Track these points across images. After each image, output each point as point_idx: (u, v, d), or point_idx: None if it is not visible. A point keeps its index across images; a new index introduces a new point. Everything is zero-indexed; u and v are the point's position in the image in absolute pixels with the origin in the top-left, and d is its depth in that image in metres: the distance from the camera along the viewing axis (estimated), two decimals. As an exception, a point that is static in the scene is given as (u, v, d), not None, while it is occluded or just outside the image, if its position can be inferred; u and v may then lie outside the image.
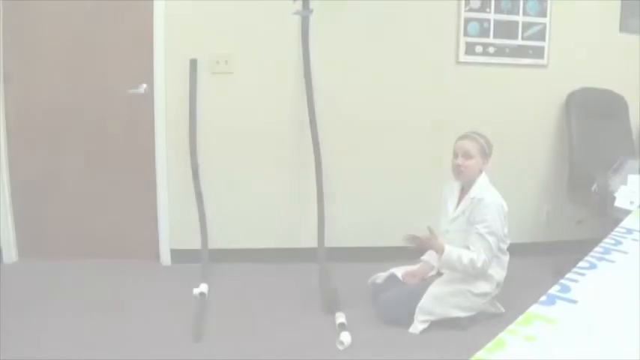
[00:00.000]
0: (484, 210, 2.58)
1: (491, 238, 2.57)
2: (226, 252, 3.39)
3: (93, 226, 3.36)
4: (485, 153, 2.65)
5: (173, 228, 3.38)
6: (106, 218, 3.36)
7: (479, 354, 1.30)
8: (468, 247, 2.61)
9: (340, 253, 3.37)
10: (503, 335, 1.37)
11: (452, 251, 2.59)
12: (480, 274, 2.62)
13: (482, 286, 2.69)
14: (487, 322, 2.71)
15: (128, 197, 3.34)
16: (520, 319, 1.44)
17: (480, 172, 2.66)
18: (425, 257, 2.85)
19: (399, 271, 2.89)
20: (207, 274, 3.18)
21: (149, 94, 3.20)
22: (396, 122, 3.32)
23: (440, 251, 2.61)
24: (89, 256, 3.34)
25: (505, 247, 2.71)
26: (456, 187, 2.76)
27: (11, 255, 3.31)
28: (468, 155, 2.62)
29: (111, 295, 2.97)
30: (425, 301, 2.66)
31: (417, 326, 2.65)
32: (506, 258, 2.72)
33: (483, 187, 2.63)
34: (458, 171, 2.65)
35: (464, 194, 2.72)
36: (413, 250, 2.66)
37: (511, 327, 1.41)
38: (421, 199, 3.35)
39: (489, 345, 1.33)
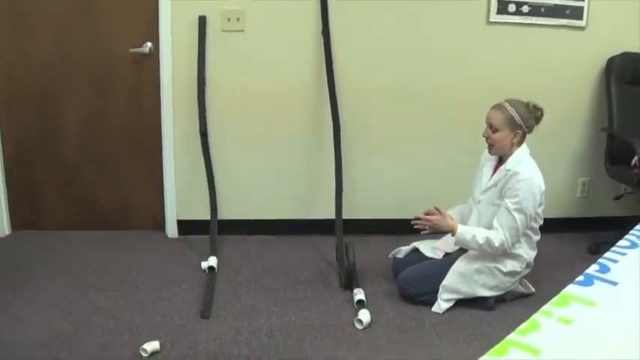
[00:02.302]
0: (517, 185, 2.53)
1: (518, 216, 2.52)
2: (237, 223, 3.40)
3: (92, 196, 3.36)
4: (516, 125, 2.55)
5: (180, 197, 3.38)
6: (107, 187, 3.35)
7: (511, 336, 1.29)
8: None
9: (359, 225, 3.38)
10: (537, 317, 1.36)
11: (465, 231, 2.57)
12: (499, 253, 2.60)
13: (512, 264, 2.67)
14: (516, 302, 2.72)
15: (131, 164, 3.33)
16: (556, 299, 1.42)
17: (514, 144, 2.59)
18: (439, 243, 2.84)
19: (423, 245, 2.88)
20: (217, 247, 3.18)
21: (154, 54, 3.16)
22: (421, 87, 3.28)
23: (451, 232, 2.60)
24: (88, 228, 3.36)
25: (537, 226, 2.68)
26: (493, 157, 2.72)
27: (3, 227, 3.29)
28: (492, 127, 2.58)
29: (112, 270, 2.98)
30: (449, 278, 2.66)
31: (441, 305, 2.65)
32: (537, 237, 2.69)
33: (521, 161, 2.58)
34: (487, 143, 2.62)
35: (500, 164, 2.67)
36: (428, 234, 2.66)
37: (546, 307, 1.39)
38: (448, 169, 3.34)
39: (523, 326, 1.32)
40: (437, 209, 2.63)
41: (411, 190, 3.39)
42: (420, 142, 3.36)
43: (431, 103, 3.29)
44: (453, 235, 2.60)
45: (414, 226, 2.64)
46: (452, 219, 2.64)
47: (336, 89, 3.18)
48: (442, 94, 3.28)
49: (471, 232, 2.57)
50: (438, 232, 2.67)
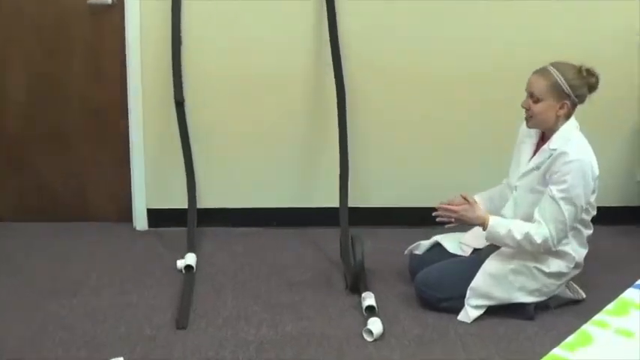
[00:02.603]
0: (564, 168, 2.48)
1: (566, 207, 2.49)
2: (220, 213, 3.44)
3: (43, 181, 3.37)
4: (563, 93, 2.52)
5: (151, 182, 3.40)
6: (61, 170, 3.36)
7: (556, 351, 1.27)
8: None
9: (368, 214, 3.42)
10: (588, 328, 1.34)
11: (498, 225, 2.55)
12: (540, 252, 2.58)
13: (557, 264, 2.65)
14: (562, 310, 2.72)
15: (91, 142, 3.34)
16: (611, 306, 1.42)
17: (560, 118, 2.56)
18: (467, 237, 2.84)
19: (446, 239, 2.87)
20: (196, 241, 3.20)
21: (118, 5, 3.14)
22: (443, 61, 3.28)
23: (482, 225, 2.59)
24: (39, 220, 3.38)
25: (589, 218, 2.66)
26: (534, 132, 2.68)
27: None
28: (533, 96, 2.54)
29: (68, 270, 3.00)
30: (479, 280, 2.64)
31: (469, 313, 2.65)
32: (588, 232, 2.68)
33: (569, 139, 2.54)
34: (526, 116, 2.60)
35: (543, 143, 2.64)
36: (454, 229, 2.67)
37: (599, 317, 1.38)
38: (475, 149, 3.36)
39: (570, 339, 1.30)
40: (464, 198, 2.62)
41: (431, 174, 3.40)
42: (442, 117, 3.36)
43: (454, 77, 3.30)
44: (484, 228, 2.58)
45: (436, 219, 2.63)
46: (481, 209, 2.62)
47: (341, 53, 3.18)
48: (469, 66, 3.29)
49: (506, 225, 2.55)
50: (465, 225, 2.66)
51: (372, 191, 3.48)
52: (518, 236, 2.51)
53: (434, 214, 2.63)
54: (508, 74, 3.13)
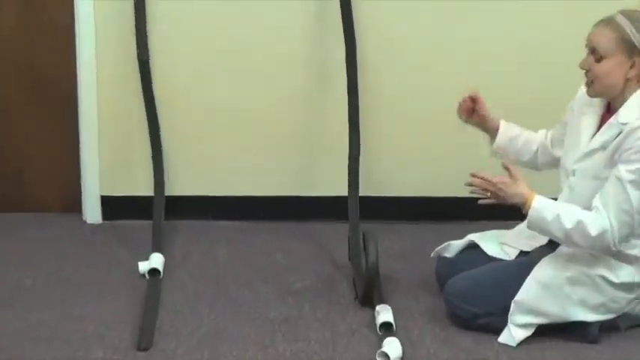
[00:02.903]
0: (637, 143, 2.42)
1: (636, 194, 2.43)
2: (196, 202, 3.47)
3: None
4: (635, 49, 2.46)
5: (105, 163, 3.41)
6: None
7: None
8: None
9: (384, 206, 3.46)
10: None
11: (544, 206, 2.51)
12: (596, 249, 2.53)
13: (628, 272, 2.59)
14: (637, 332, 2.70)
15: (30, 115, 3.36)
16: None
17: (630, 82, 2.50)
18: (510, 236, 2.83)
19: (484, 238, 2.85)
20: (164, 238, 3.22)
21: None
22: (472, 30, 3.36)
23: (523, 205, 2.54)
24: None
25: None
26: (597, 101, 2.62)
27: None
28: (595, 53, 2.50)
29: (3, 273, 3.01)
30: (527, 291, 2.61)
31: (514, 334, 2.61)
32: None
33: None
34: (586, 80, 2.56)
35: (609, 116, 2.57)
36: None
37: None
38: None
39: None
40: (507, 168, 2.56)
41: (463, 158, 3.33)
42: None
43: (487, 46, 3.38)
44: (526, 210, 2.53)
45: (470, 191, 2.59)
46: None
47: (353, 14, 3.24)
48: (505, 23, 3.36)
49: (555, 209, 2.50)
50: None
51: (389, 177, 3.50)
52: (568, 224, 2.46)
53: (466, 183, 2.59)
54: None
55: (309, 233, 3.40)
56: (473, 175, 2.57)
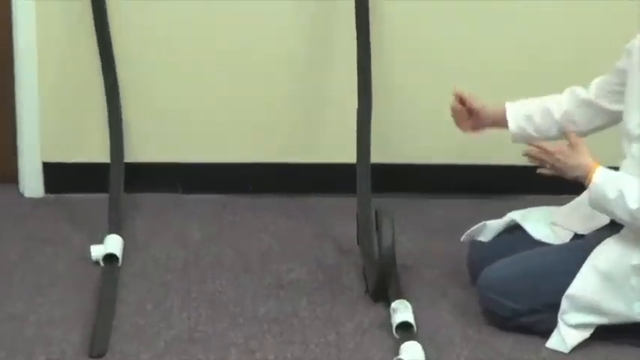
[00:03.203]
0: None
1: None
2: (164, 171, 3.50)
3: None
4: None
5: (48, 122, 3.43)
6: None
7: None
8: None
9: (402, 176, 3.51)
10: None
11: (607, 181, 2.55)
12: None
13: None
14: None
15: None
16: None
17: None
18: (561, 214, 2.87)
19: (528, 217, 2.87)
20: (123, 217, 3.24)
21: None
22: None
23: (585, 178, 2.58)
24: None
25: None
26: None
27: None
28: None
29: None
30: (583, 283, 2.61)
31: (566, 337, 2.62)
32: None
33: None
34: None
35: None
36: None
37: None
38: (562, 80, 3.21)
39: None
40: (567, 135, 2.62)
41: None
42: (507, 30, 3.49)
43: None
44: (587, 183, 2.57)
45: (528, 158, 2.65)
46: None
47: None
48: None
49: (618, 184, 2.51)
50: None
51: (407, 142, 3.53)
52: (634, 204, 2.47)
53: (524, 152, 2.66)
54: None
55: (306, 209, 3.42)
56: (530, 144, 2.64)
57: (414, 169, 3.55)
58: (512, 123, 2.85)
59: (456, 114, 2.92)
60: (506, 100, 2.93)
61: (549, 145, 2.61)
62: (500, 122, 2.90)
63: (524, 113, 2.89)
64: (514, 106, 2.90)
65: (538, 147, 2.63)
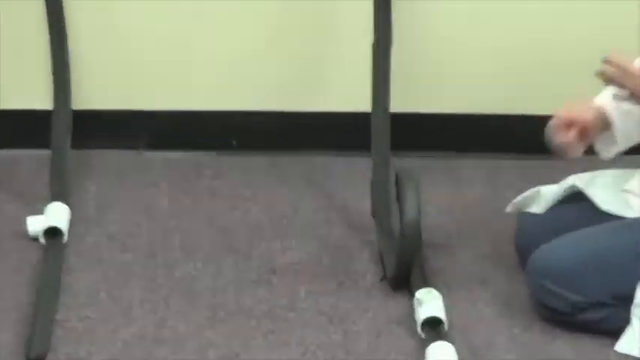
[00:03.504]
0: None
1: None
2: (122, 121, 3.51)
3: None
4: None
5: None
6: None
7: None
8: None
9: (428, 130, 3.52)
10: None
11: None
12: None
13: None
14: None
15: None
16: None
17: None
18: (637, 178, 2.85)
19: (593, 182, 2.85)
20: (69, 178, 3.24)
21: None
22: None
23: None
24: None
25: None
26: None
27: None
28: None
29: None
30: None
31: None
32: None
33: None
34: None
35: None
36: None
37: None
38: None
39: None
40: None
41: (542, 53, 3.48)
42: None
43: None
44: None
45: (602, 79, 2.58)
46: None
47: None
48: None
49: None
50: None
51: (436, 85, 3.54)
52: None
53: (597, 71, 2.57)
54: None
55: (306, 172, 3.43)
56: (607, 61, 2.56)
57: (445, 120, 3.57)
58: (618, 128, 2.76)
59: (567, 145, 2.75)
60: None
61: (633, 67, 2.58)
62: (598, 129, 2.80)
63: (622, 110, 2.80)
64: (611, 105, 2.79)
65: (617, 65, 2.56)
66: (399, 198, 2.80)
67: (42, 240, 2.95)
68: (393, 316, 2.71)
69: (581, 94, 2.89)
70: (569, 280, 2.63)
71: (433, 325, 2.60)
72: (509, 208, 2.93)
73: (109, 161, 3.43)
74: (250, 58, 3.53)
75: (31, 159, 3.38)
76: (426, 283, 2.76)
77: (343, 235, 3.09)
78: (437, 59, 3.55)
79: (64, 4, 3.40)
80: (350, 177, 3.33)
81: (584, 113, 2.75)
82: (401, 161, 3.08)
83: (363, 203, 3.13)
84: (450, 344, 2.53)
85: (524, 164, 3.37)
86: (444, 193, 3.26)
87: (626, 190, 2.81)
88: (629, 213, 2.76)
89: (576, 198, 2.84)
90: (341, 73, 3.51)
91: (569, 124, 2.70)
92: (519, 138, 3.49)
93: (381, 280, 2.85)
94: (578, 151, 2.76)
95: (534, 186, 2.90)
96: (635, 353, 2.59)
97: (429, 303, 2.66)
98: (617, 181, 2.85)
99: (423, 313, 2.63)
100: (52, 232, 2.96)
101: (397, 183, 2.84)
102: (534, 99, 3.48)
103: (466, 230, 3.10)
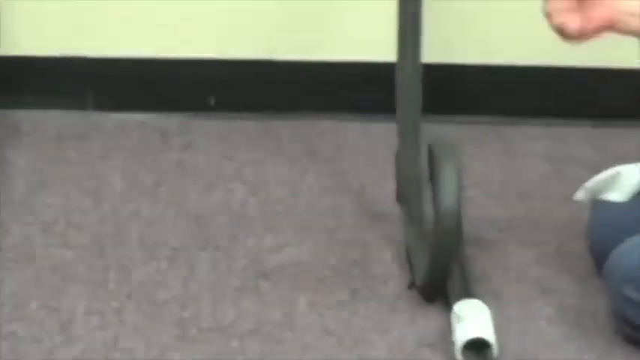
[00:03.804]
0: None
1: None
2: (60, 70, 3.53)
3: None
4: None
5: None
6: None
7: None
8: None
9: (470, 86, 3.59)
10: None
11: None
12: None
13: None
14: None
15: None
16: None
17: None
18: None
19: None
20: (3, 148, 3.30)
21: None
22: None
23: None
24: None
25: None
26: None
27: None
28: None
29: None
30: None
31: None
32: None
33: None
34: None
35: None
36: None
37: None
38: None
39: None
40: None
41: None
42: None
43: None
44: None
45: None
46: None
47: None
48: None
49: None
50: None
51: (482, 30, 3.60)
52: None
53: None
54: None
55: (308, 142, 3.42)
56: None
57: (494, 73, 3.60)
58: None
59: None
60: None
61: None
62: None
63: None
64: None
65: None
66: (433, 178, 2.70)
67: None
68: (424, 336, 2.62)
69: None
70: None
71: (478, 349, 2.52)
72: (579, 195, 2.86)
73: (44, 125, 3.44)
74: (238, 7, 3.57)
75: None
76: (468, 293, 2.69)
77: (358, 227, 3.03)
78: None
79: None
80: (367, 149, 3.34)
81: None
82: (436, 128, 3.03)
83: (384, 185, 3.10)
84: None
85: (595, 134, 3.42)
86: (493, 173, 3.25)
87: None
88: None
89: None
90: (356, 9, 3.51)
91: None
92: (595, 99, 3.56)
93: (409, 287, 2.77)
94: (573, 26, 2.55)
95: (614, 165, 2.85)
96: None
97: (472, 319, 2.57)
98: None
99: (463, 332, 2.53)
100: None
101: (430, 158, 2.73)
102: (618, 49, 3.34)
103: (522, 222, 3.06)
